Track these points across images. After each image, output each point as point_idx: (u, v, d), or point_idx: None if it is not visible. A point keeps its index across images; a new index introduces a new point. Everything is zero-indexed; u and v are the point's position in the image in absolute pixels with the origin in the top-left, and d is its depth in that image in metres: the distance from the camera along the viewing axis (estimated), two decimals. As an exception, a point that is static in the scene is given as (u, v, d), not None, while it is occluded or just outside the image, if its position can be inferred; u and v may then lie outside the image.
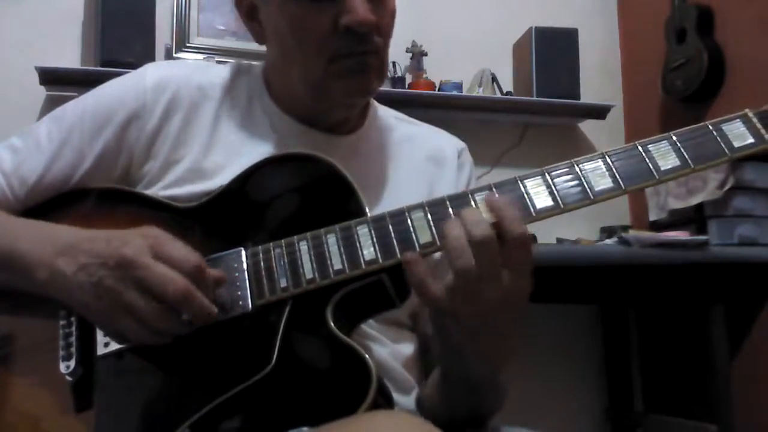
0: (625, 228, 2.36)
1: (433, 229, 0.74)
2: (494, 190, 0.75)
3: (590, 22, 2.79)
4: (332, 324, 0.75)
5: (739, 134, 0.74)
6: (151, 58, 2.18)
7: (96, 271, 0.76)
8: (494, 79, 2.60)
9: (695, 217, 2.17)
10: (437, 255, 0.75)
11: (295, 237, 0.79)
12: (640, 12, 2.78)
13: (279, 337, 0.75)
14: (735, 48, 2.31)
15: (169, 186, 0.89)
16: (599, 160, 0.75)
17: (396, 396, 0.84)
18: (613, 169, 0.74)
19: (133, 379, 0.79)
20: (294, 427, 0.70)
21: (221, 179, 0.87)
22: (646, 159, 0.74)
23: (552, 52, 2.55)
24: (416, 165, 1.00)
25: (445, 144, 1.05)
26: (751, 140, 0.74)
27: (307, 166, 0.84)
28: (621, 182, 0.73)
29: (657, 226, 2.31)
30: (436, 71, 2.54)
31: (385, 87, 2.43)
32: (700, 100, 2.38)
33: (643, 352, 2.64)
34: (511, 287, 0.69)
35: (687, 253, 1.96)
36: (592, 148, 2.70)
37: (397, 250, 0.75)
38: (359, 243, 0.76)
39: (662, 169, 0.73)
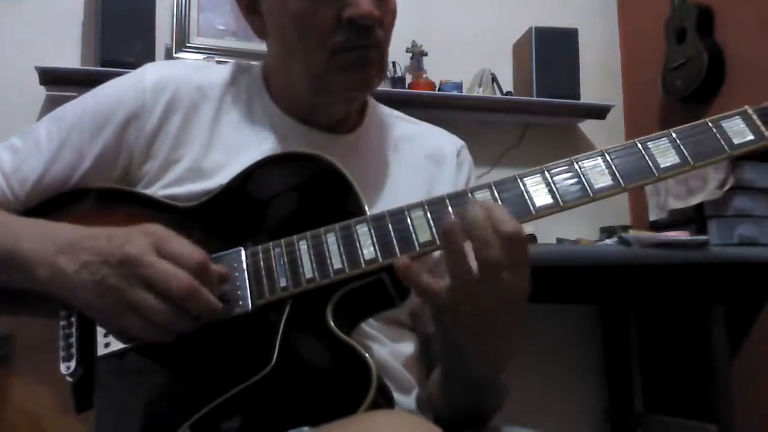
0: (625, 228, 2.36)
1: (433, 228, 0.74)
2: (494, 188, 0.75)
3: (590, 22, 2.79)
4: (332, 323, 0.75)
5: (738, 131, 0.74)
6: (151, 58, 2.18)
7: (98, 269, 0.76)
8: (494, 79, 2.60)
9: (695, 217, 2.17)
10: (436, 254, 0.75)
11: (295, 236, 0.79)
12: (640, 12, 2.78)
13: (279, 336, 0.75)
14: (735, 48, 2.31)
15: (169, 185, 0.89)
16: (599, 157, 0.75)
17: (396, 395, 0.84)
18: (613, 167, 0.74)
19: (134, 379, 0.79)
20: (294, 426, 0.70)
21: (221, 178, 0.87)
22: (646, 156, 0.74)
23: (552, 52, 2.55)
24: (415, 163, 1.00)
25: (444, 142, 1.05)
26: (750, 137, 0.74)
27: (306, 165, 0.84)
28: (621, 180, 0.73)
29: (657, 226, 2.31)
30: (436, 71, 2.54)
31: (385, 87, 2.43)
32: (700, 100, 2.38)
33: (643, 352, 2.64)
34: (510, 287, 0.68)
35: (687, 253, 1.96)
36: (592, 148, 2.67)
37: (397, 250, 0.75)
38: (359, 242, 0.76)
39: (662, 166, 0.73)
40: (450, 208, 0.74)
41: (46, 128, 0.93)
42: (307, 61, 0.89)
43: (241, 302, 0.78)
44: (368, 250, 0.75)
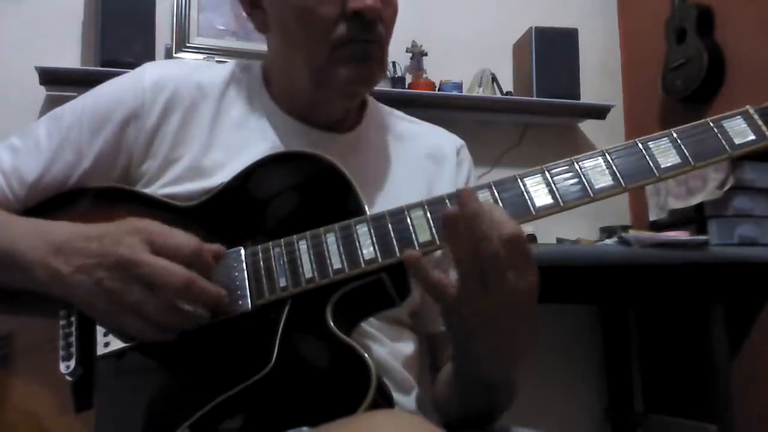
0: (625, 228, 2.36)
1: (433, 228, 0.74)
2: (494, 188, 0.75)
3: (590, 22, 2.79)
4: (332, 323, 0.75)
5: (740, 131, 0.74)
6: (151, 58, 2.17)
7: (94, 271, 0.76)
8: (494, 79, 2.60)
9: (695, 217, 2.17)
10: (438, 253, 0.75)
11: (295, 236, 0.79)
12: (640, 12, 2.78)
13: (278, 336, 0.75)
14: (735, 48, 2.31)
15: (168, 184, 0.89)
16: (599, 157, 0.75)
17: (396, 395, 0.84)
18: (613, 167, 0.74)
19: (133, 379, 0.79)
20: (294, 426, 0.70)
21: (220, 177, 0.88)
22: (646, 156, 0.74)
23: (552, 52, 2.54)
24: (415, 163, 1.00)
25: (444, 142, 1.05)
26: (752, 137, 0.74)
27: (306, 165, 0.84)
28: (621, 180, 0.73)
29: (657, 226, 2.31)
30: (436, 71, 2.54)
31: (385, 87, 2.43)
32: (700, 100, 2.38)
33: (643, 352, 2.64)
34: (515, 287, 0.68)
35: (687, 253, 1.96)
36: (592, 148, 2.67)
37: (397, 249, 0.75)
38: (359, 242, 0.76)
39: (662, 166, 0.73)
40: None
41: (46, 128, 0.93)
42: (309, 54, 0.89)
43: (240, 302, 0.78)
44: (368, 250, 0.75)
